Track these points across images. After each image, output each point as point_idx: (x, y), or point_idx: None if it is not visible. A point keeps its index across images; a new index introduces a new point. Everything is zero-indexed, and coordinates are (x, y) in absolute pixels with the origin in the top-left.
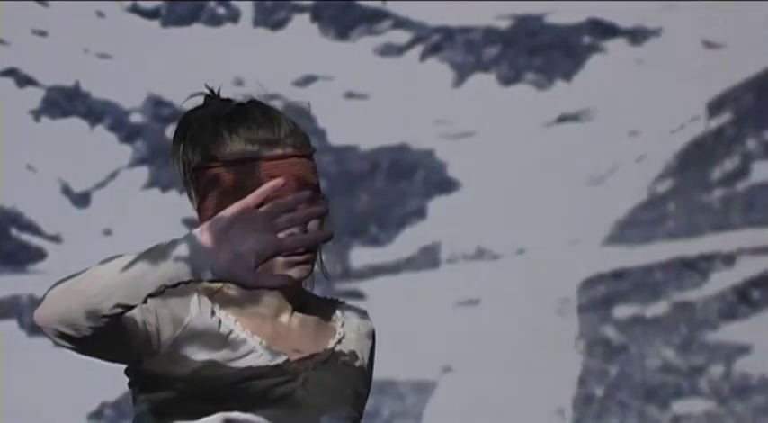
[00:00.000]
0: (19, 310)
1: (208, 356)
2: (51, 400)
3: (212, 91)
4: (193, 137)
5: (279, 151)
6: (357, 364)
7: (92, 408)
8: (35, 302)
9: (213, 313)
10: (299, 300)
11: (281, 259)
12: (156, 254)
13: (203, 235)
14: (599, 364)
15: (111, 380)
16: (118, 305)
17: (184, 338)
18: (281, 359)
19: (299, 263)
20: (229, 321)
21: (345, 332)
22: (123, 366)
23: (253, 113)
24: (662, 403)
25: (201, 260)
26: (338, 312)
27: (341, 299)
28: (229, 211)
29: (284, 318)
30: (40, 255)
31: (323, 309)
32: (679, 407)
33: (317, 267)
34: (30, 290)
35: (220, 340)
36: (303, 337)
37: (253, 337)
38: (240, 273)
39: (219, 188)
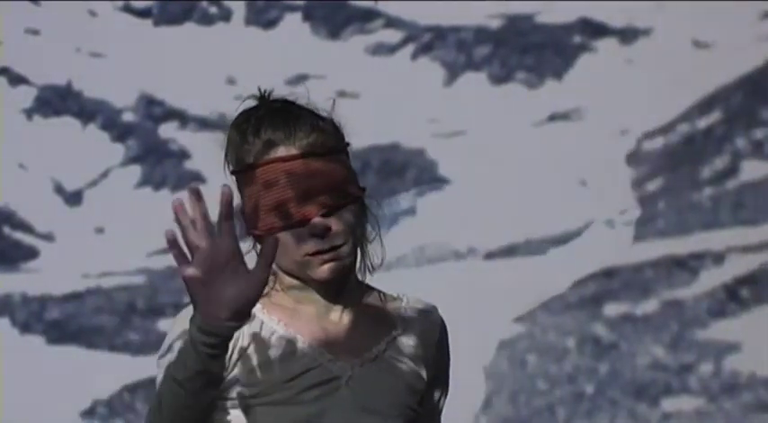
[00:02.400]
0: (11, 309)
1: (255, 360)
2: (43, 398)
3: (263, 93)
4: (232, 141)
5: (285, 152)
6: (415, 360)
7: (84, 406)
8: (27, 301)
9: (253, 317)
10: (354, 296)
11: (308, 258)
12: (185, 349)
13: (198, 310)
14: (589, 362)
15: (103, 378)
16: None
17: (237, 351)
18: (324, 358)
19: (326, 261)
20: (273, 323)
21: (405, 328)
22: (115, 365)
23: (272, 116)
24: (652, 401)
25: (213, 327)
26: (402, 308)
27: (409, 295)
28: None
29: (334, 316)
30: (32, 253)
31: (384, 305)
32: (669, 404)
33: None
34: (22, 288)
35: (264, 343)
36: (354, 334)
37: (297, 338)
38: (243, 304)
39: (242, 193)
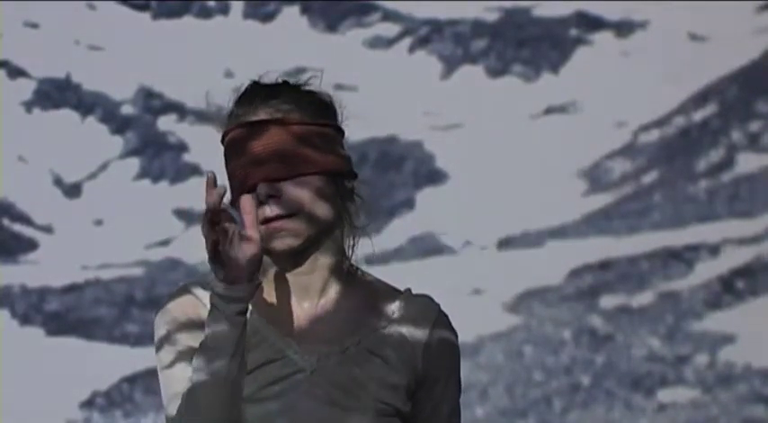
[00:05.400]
0: (11, 300)
1: None
2: (43, 389)
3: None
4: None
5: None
6: (397, 355)
7: (83, 397)
8: (27, 292)
9: None
10: (336, 283)
11: (262, 228)
12: (212, 340)
13: (223, 280)
14: (585, 354)
15: (102, 369)
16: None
17: None
18: (291, 350)
19: (275, 232)
20: None
21: (393, 322)
22: (114, 356)
23: (250, 90)
24: (648, 392)
25: (239, 291)
26: (397, 302)
27: (413, 290)
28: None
29: (309, 303)
30: (31, 245)
31: (377, 297)
32: (664, 395)
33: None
34: (21, 280)
35: None
36: (328, 324)
37: (267, 327)
38: (252, 264)
39: None
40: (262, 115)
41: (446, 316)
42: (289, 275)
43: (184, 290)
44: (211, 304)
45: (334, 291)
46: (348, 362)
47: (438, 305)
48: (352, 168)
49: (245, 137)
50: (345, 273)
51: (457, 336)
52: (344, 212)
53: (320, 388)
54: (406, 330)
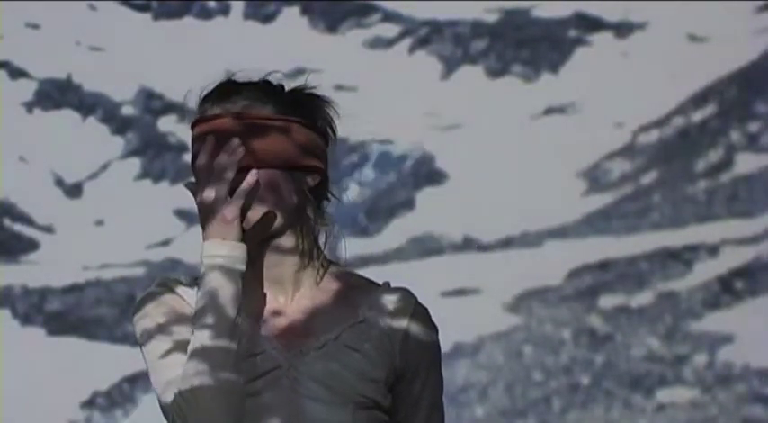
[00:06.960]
0: (11, 300)
1: None
2: (43, 389)
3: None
4: None
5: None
6: (375, 348)
7: (84, 397)
8: (28, 293)
9: None
10: (311, 278)
11: None
12: (214, 305)
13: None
14: (585, 354)
15: (103, 369)
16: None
17: None
18: (267, 345)
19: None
20: None
21: (370, 316)
22: (115, 356)
23: (215, 88)
24: (647, 392)
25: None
26: (375, 296)
27: (392, 283)
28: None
29: (282, 298)
30: (32, 245)
31: (354, 290)
32: (663, 395)
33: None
34: (22, 280)
35: None
36: (305, 319)
37: (245, 320)
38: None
39: None
40: (217, 111)
41: (425, 309)
42: (258, 269)
43: (166, 286)
44: (206, 268)
45: (309, 285)
46: (326, 356)
47: (415, 298)
48: (317, 165)
49: (201, 132)
50: (320, 267)
51: (437, 330)
52: (308, 208)
53: (299, 383)
54: (383, 323)
